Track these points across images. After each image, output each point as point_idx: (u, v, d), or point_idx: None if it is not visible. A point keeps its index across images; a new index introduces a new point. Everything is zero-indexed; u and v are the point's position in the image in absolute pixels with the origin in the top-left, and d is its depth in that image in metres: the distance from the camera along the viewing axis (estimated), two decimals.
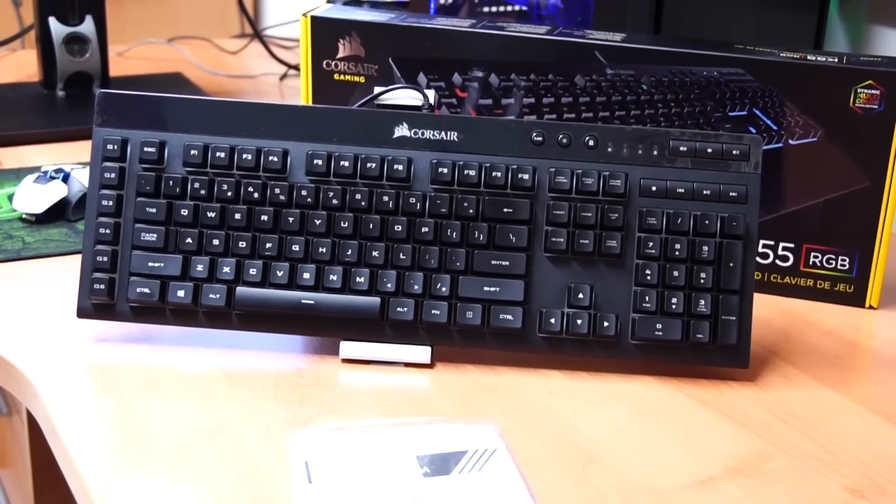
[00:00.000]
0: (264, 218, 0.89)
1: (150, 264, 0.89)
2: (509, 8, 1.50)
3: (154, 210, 0.90)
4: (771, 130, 1.02)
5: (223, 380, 0.86)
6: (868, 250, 1.02)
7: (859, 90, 0.99)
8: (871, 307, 1.04)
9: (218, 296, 0.88)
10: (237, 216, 0.89)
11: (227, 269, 0.89)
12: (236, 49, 1.94)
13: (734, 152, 0.90)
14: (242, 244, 0.89)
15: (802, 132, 1.02)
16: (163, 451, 0.77)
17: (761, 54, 1.02)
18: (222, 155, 0.90)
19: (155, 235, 0.89)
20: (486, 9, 1.51)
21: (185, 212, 0.89)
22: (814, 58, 1.02)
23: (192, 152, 0.90)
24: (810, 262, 1.05)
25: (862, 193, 1.01)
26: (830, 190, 1.03)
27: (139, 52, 1.89)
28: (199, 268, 0.89)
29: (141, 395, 0.84)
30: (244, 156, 0.90)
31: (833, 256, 1.04)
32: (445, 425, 0.80)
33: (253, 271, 0.89)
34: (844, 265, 1.04)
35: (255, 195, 0.90)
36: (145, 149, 0.90)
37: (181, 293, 0.89)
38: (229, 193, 0.90)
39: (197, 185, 0.90)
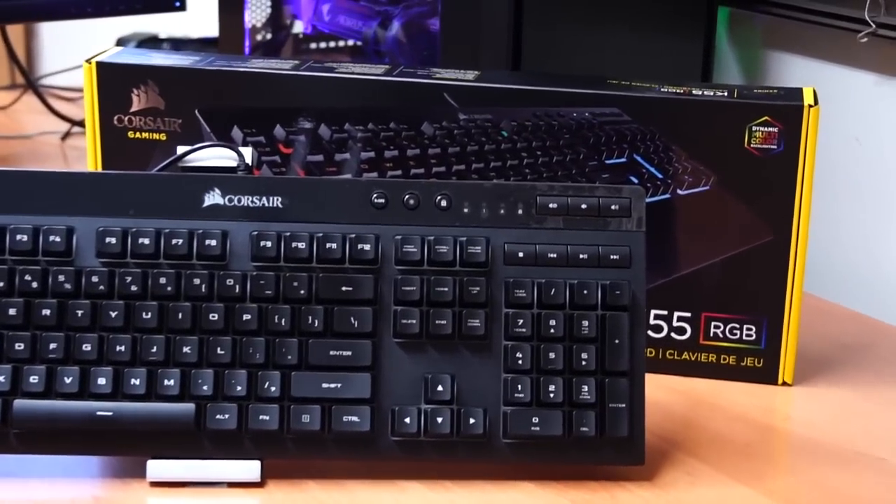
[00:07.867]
0: (46, 312, 0.88)
1: None
2: (341, 43, 1.52)
3: None
4: (655, 179, 1.05)
5: None
6: (777, 316, 1.05)
7: (754, 128, 1.03)
8: (784, 383, 1.07)
9: None
10: (12, 312, 0.88)
11: (0, 379, 0.87)
12: (6, 103, 1.91)
13: (613, 207, 0.92)
14: (19, 346, 0.88)
15: (692, 180, 1.05)
16: None
17: (639, 90, 1.05)
18: None
19: None
20: (312, 45, 1.53)
21: None
22: (700, 92, 1.05)
23: None
24: (711, 334, 1.07)
25: (765, 249, 1.05)
26: (729, 247, 1.05)
27: None
28: None
29: None
30: (18, 237, 0.89)
31: (737, 325, 1.06)
32: None
33: (34, 379, 0.87)
34: (751, 335, 1.06)
35: (34, 284, 0.88)
36: None
37: None
38: (0, 284, 0.88)
39: None
